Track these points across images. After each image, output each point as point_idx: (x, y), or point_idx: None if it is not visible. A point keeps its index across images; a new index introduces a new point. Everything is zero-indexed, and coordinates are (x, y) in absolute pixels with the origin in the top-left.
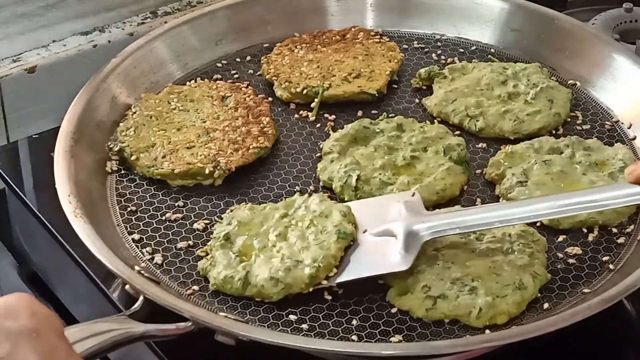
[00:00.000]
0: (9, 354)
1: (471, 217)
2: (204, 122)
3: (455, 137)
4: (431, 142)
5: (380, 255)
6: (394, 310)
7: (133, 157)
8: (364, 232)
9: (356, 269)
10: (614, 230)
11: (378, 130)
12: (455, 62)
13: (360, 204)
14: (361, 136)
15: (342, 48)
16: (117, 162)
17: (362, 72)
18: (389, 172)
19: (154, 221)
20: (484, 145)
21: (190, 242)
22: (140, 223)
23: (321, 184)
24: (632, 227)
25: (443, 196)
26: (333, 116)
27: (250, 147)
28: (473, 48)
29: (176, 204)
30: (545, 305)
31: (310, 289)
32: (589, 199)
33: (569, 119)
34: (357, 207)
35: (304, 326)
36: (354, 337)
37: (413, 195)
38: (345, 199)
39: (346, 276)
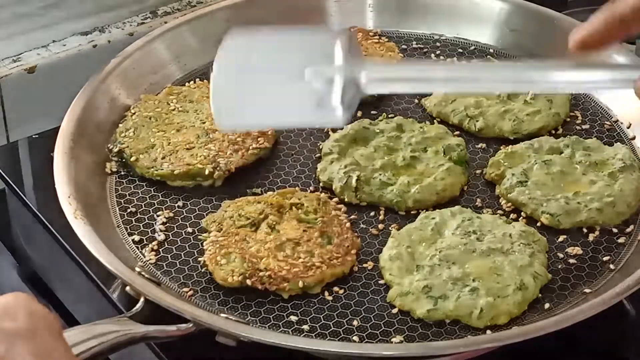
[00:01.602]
0: (6, 355)
1: (415, 74)
2: (204, 122)
3: (455, 138)
4: (431, 143)
5: (312, 103)
6: (394, 310)
7: (133, 158)
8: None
9: (291, 115)
10: (615, 230)
11: (378, 131)
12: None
13: (294, 34)
14: (361, 137)
15: None
16: (117, 163)
17: None
18: (389, 172)
19: (154, 222)
20: (484, 145)
21: (191, 243)
22: (140, 224)
23: (321, 184)
24: (632, 227)
25: (443, 196)
26: None
27: (250, 147)
28: (472, 48)
29: (176, 205)
30: (546, 306)
31: None
32: (545, 73)
33: (568, 119)
34: (291, 37)
35: (305, 327)
36: (355, 338)
37: (350, 36)
38: (346, 199)
39: (280, 121)
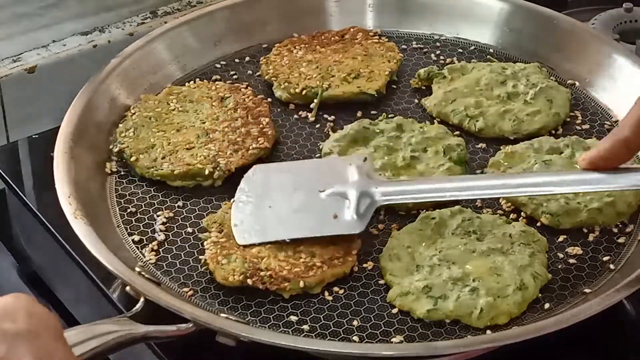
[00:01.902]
0: (6, 356)
1: (425, 186)
2: (204, 123)
3: (454, 138)
4: (431, 143)
5: (333, 216)
6: (394, 310)
7: (132, 158)
8: (320, 191)
9: (309, 227)
10: (615, 230)
11: (378, 131)
12: (455, 62)
13: (312, 163)
14: (361, 137)
15: (341, 48)
16: (117, 163)
17: (361, 72)
18: (389, 172)
19: (153, 222)
20: (484, 145)
21: (191, 243)
22: (140, 224)
23: None
24: (632, 227)
25: None
26: (332, 117)
27: (250, 147)
28: (472, 48)
29: (176, 205)
30: (546, 306)
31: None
32: (547, 180)
33: (568, 119)
34: (308, 166)
35: (305, 327)
36: (355, 338)
37: (365, 160)
38: None
39: (299, 233)
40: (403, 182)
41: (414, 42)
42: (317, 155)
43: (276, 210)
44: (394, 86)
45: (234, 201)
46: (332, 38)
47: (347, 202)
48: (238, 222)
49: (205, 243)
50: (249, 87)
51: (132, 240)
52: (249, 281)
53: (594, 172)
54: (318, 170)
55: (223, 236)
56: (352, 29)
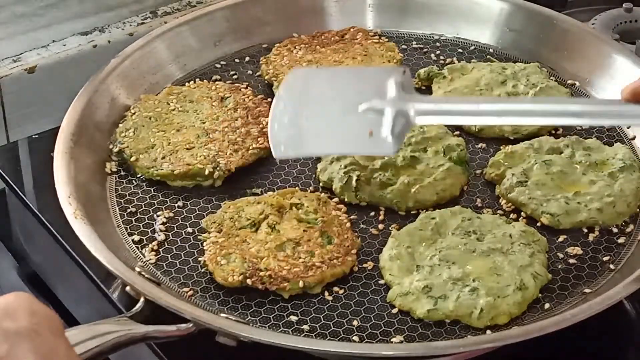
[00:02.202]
0: (7, 355)
1: (462, 107)
2: (204, 123)
3: (455, 138)
4: (431, 143)
5: (368, 133)
6: (394, 310)
7: (132, 158)
8: (358, 104)
9: (345, 144)
10: (615, 230)
11: None
12: (454, 62)
13: (351, 71)
14: None
15: (341, 48)
16: (117, 163)
17: None
18: (389, 172)
19: (153, 222)
20: (484, 145)
21: (191, 243)
22: (140, 224)
23: (321, 184)
24: (632, 227)
25: (443, 196)
26: None
27: (250, 147)
28: (472, 48)
29: (176, 205)
30: (546, 306)
31: None
32: (591, 110)
33: None
34: (348, 74)
35: (305, 327)
36: (355, 338)
37: (404, 72)
38: (345, 199)
39: (334, 149)
40: (440, 100)
41: (414, 42)
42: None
43: (313, 122)
44: None
45: (272, 107)
46: (332, 38)
47: (383, 119)
48: (274, 133)
49: (204, 244)
50: (249, 87)
51: (132, 240)
52: (249, 281)
53: (636, 104)
54: (357, 80)
55: (222, 236)
56: (352, 29)
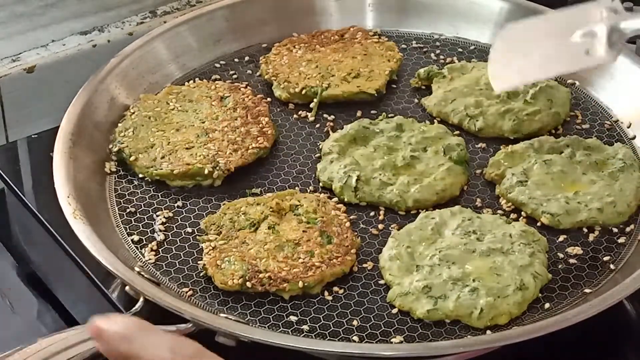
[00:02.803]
0: None
1: None
2: (203, 122)
3: (455, 137)
4: (431, 142)
5: (584, 52)
6: (394, 311)
7: (132, 158)
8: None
9: (564, 64)
10: (615, 230)
11: (377, 131)
12: (454, 62)
13: (561, 14)
14: (361, 136)
15: (341, 48)
16: (116, 162)
17: (361, 72)
18: (389, 172)
19: (153, 222)
20: (484, 145)
21: (190, 243)
22: (140, 224)
23: (321, 184)
24: (632, 227)
25: (443, 196)
26: (332, 116)
27: (250, 147)
28: (472, 48)
29: (175, 205)
30: (546, 306)
31: None
32: None
33: (568, 119)
34: (558, 16)
35: (305, 327)
36: (355, 338)
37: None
38: (345, 199)
39: (556, 70)
40: None
41: (414, 42)
42: (316, 156)
43: (530, 56)
44: (394, 86)
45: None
46: (332, 37)
47: (597, 38)
48: (495, 74)
49: (203, 246)
50: (248, 87)
51: (132, 240)
52: (248, 284)
53: None
54: (568, 18)
55: (221, 238)
56: (351, 29)
